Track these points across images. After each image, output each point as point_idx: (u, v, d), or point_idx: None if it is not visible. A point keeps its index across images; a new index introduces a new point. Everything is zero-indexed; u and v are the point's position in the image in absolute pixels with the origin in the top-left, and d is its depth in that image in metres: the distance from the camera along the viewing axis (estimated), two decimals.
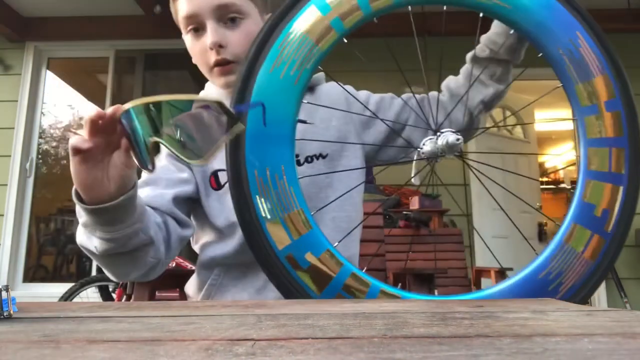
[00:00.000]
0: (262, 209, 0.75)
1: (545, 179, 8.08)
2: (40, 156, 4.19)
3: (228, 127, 0.60)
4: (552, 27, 0.83)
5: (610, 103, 0.82)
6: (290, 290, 0.75)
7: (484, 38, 0.98)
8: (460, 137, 0.82)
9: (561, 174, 8.05)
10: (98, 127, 0.61)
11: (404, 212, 3.11)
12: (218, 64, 0.89)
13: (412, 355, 0.28)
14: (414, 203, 3.23)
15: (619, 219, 0.80)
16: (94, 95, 4.70)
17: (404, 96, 1.05)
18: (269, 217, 0.75)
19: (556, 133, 7.16)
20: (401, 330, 0.37)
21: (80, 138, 0.63)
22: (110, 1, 3.80)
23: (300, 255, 0.74)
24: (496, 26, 0.95)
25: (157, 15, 3.56)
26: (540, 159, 8.00)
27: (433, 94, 1.04)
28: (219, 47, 0.87)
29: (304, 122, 0.84)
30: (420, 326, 0.40)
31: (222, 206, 0.92)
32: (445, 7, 0.86)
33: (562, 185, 7.74)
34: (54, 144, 4.64)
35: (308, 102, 0.95)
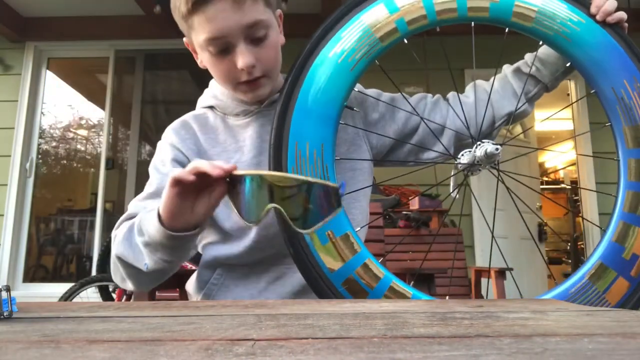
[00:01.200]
0: None
1: (545, 179, 8.08)
2: (40, 156, 4.19)
3: (333, 207, 0.63)
4: (609, 67, 0.84)
5: None
6: (305, 263, 0.76)
7: (530, 56, 0.98)
8: (499, 146, 0.82)
9: (561, 174, 8.05)
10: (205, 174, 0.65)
11: (404, 212, 3.11)
12: (248, 81, 0.85)
13: (412, 355, 0.28)
14: (414, 203, 3.23)
15: None
16: (94, 95, 4.70)
17: (416, 96, 1.02)
18: None
19: (556, 133, 7.15)
20: (401, 330, 0.37)
21: (184, 172, 0.66)
22: (110, 1, 3.79)
23: (321, 231, 0.76)
24: (548, 48, 0.95)
25: (157, 15, 3.55)
26: (540, 158, 8.00)
27: (454, 96, 1.01)
28: (252, 67, 0.83)
29: (351, 108, 0.87)
30: (420, 326, 0.40)
31: (229, 210, 0.90)
32: (507, 30, 0.87)
33: (562, 185, 7.74)
34: (54, 144, 4.64)
35: (359, 91, 0.96)
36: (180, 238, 0.72)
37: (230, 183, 0.67)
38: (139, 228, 0.77)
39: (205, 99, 0.98)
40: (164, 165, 0.91)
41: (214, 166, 0.65)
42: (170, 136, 0.93)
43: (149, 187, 0.90)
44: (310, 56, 0.81)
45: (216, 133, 0.94)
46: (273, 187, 0.63)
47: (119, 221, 0.88)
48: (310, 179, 0.64)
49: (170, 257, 0.75)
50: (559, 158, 8.28)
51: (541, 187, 7.42)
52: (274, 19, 0.88)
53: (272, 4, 0.88)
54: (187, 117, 0.97)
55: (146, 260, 0.76)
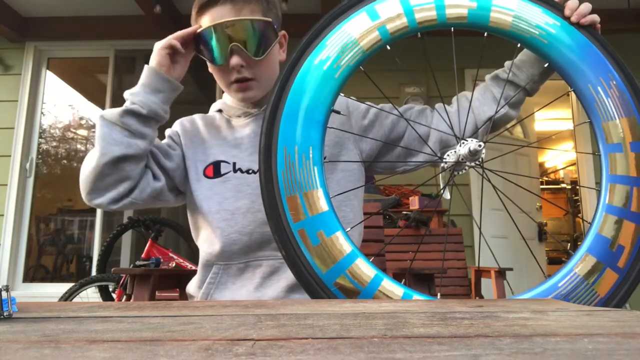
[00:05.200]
0: (284, 183, 0.80)
1: (545, 179, 8.08)
2: (40, 156, 4.19)
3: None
4: (585, 66, 0.88)
5: (635, 145, 0.85)
6: (297, 264, 0.78)
7: (509, 63, 1.02)
8: (482, 143, 0.85)
9: (561, 173, 8.05)
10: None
11: (404, 212, 3.11)
12: (237, 80, 0.97)
13: (412, 355, 0.28)
14: (414, 203, 3.23)
15: (635, 256, 0.81)
16: (94, 95, 4.70)
17: (403, 107, 1.07)
18: (289, 191, 0.80)
19: (556, 133, 7.15)
20: (401, 330, 0.37)
21: (170, 40, 0.94)
22: (110, 1, 3.79)
23: (312, 232, 0.78)
24: (525, 54, 1.00)
25: (157, 15, 3.55)
26: (540, 158, 8.00)
27: (440, 105, 1.07)
28: (240, 67, 0.95)
29: (337, 112, 0.90)
30: (420, 326, 0.40)
31: (211, 193, 0.99)
32: (485, 34, 0.91)
33: (562, 185, 7.74)
34: (54, 144, 4.64)
35: (344, 95, 0.99)
36: (164, 80, 0.95)
37: (198, 40, 0.96)
38: (140, 83, 0.95)
39: (216, 104, 1.11)
40: (165, 137, 1.07)
41: (184, 31, 0.95)
42: (176, 125, 1.08)
43: None
44: (297, 64, 0.85)
45: (219, 130, 1.05)
46: (229, 31, 0.92)
47: None
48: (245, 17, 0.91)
49: (150, 103, 0.93)
50: (559, 158, 8.28)
51: (541, 187, 7.42)
52: (273, 33, 0.98)
53: (274, 20, 0.97)
54: (196, 115, 1.10)
55: (127, 104, 0.92)
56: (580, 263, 0.81)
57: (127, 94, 0.94)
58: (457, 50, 3.48)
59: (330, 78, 0.85)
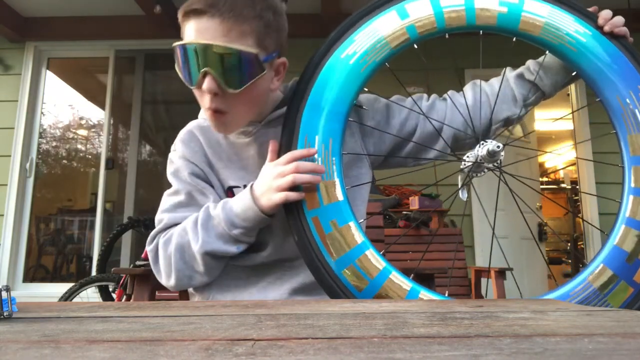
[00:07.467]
0: None
1: (545, 179, 8.08)
2: (40, 156, 4.19)
3: None
4: (614, 76, 0.88)
5: None
6: (308, 250, 0.80)
7: (533, 62, 0.99)
8: (500, 144, 0.84)
9: (561, 173, 8.05)
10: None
11: (404, 212, 3.11)
12: (212, 108, 0.84)
13: (412, 355, 0.28)
14: (414, 203, 3.23)
15: None
16: (94, 95, 4.70)
17: (410, 99, 1.02)
18: None
19: (556, 133, 7.15)
20: (401, 330, 0.37)
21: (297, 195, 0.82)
22: (110, 1, 3.79)
23: (325, 220, 0.80)
24: (550, 58, 0.97)
25: (157, 15, 3.55)
26: (540, 159, 8.00)
27: (452, 95, 1.01)
28: (214, 94, 0.81)
29: (360, 107, 0.92)
30: (420, 326, 0.40)
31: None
32: (514, 39, 0.91)
33: (563, 185, 7.73)
34: (54, 144, 4.64)
35: (368, 91, 1.00)
36: (266, 221, 0.85)
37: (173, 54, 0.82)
38: (230, 222, 0.84)
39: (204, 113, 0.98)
40: (185, 177, 0.93)
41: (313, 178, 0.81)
42: (182, 149, 0.95)
43: (177, 197, 0.92)
44: (324, 57, 0.87)
45: (221, 148, 0.95)
46: (205, 54, 0.78)
47: (154, 233, 0.91)
48: None
49: (250, 238, 0.87)
50: (559, 158, 8.28)
51: (541, 187, 7.41)
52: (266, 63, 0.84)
53: (269, 48, 0.83)
54: (192, 127, 0.98)
55: (238, 244, 0.86)
56: (594, 274, 0.80)
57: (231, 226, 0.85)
58: (457, 50, 3.49)
59: (356, 72, 0.86)
